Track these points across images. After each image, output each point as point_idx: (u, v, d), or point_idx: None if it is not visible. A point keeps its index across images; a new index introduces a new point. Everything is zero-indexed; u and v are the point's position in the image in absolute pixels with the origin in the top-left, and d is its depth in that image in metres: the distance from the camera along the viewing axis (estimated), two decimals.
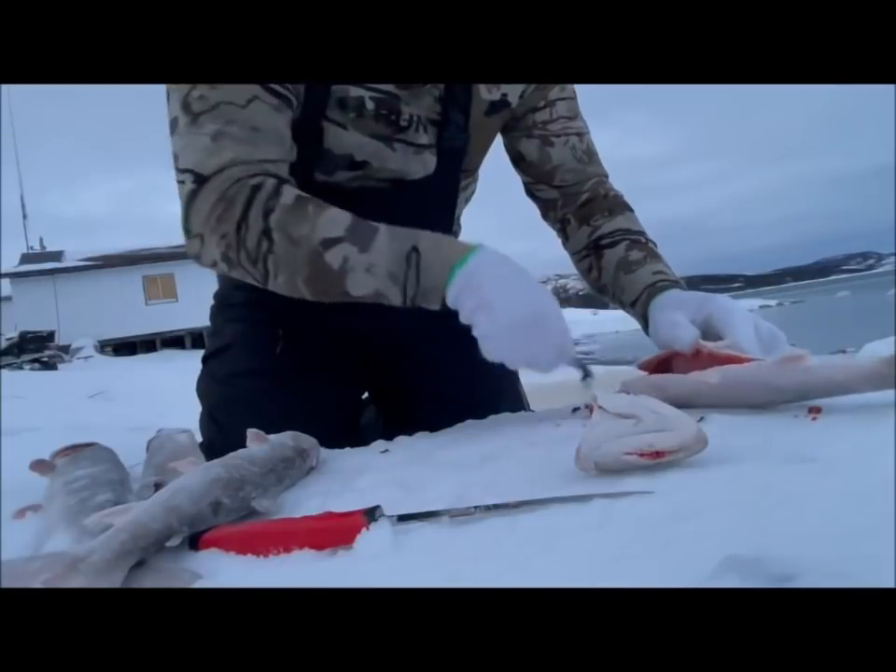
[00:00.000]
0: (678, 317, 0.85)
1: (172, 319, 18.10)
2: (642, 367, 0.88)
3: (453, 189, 1.05)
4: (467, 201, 1.15)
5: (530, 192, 1.12)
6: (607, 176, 1.09)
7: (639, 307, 0.95)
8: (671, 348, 0.85)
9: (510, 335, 0.72)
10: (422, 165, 0.97)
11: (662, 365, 0.85)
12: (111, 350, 17.69)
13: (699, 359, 0.78)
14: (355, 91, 0.90)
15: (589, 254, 1.04)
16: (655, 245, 1.03)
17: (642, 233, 1.03)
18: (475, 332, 0.73)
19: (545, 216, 1.12)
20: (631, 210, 1.07)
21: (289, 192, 0.80)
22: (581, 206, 1.06)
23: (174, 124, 0.83)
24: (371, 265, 0.76)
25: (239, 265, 0.80)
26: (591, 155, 1.07)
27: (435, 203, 1.02)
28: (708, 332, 0.84)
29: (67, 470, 0.68)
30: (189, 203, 0.81)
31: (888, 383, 0.60)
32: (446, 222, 1.08)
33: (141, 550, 0.47)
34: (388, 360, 1.11)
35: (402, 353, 1.08)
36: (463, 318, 0.74)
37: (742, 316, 0.84)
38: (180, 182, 0.82)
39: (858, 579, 0.32)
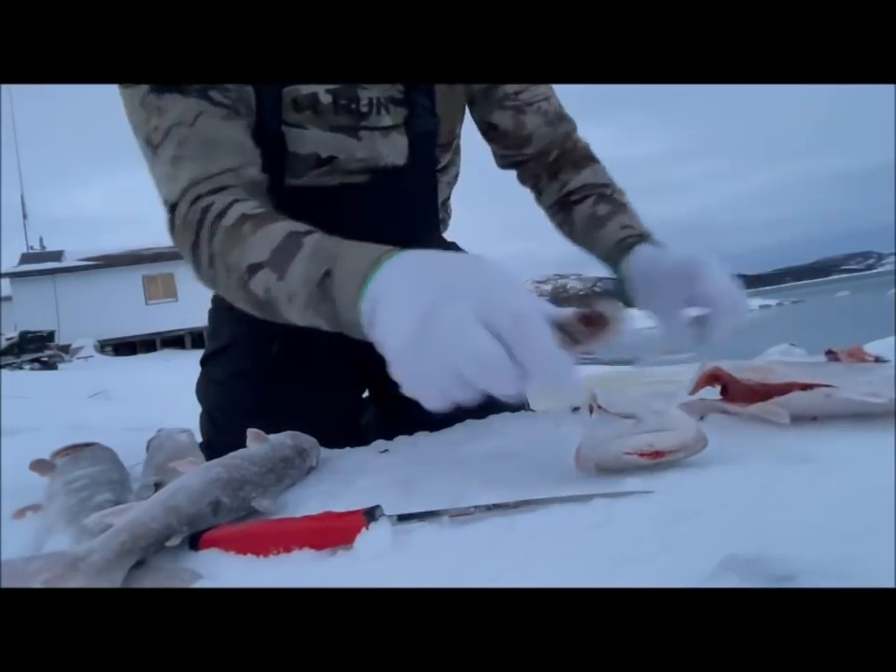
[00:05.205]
0: (672, 316, 0.84)
1: (172, 319, 18.09)
2: (693, 391, 0.75)
3: (431, 174, 1.04)
4: (450, 184, 1.14)
5: (503, 161, 1.12)
6: (575, 129, 1.10)
7: (611, 262, 0.96)
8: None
9: (410, 365, 0.53)
10: (392, 147, 0.96)
11: (708, 381, 0.75)
12: (111, 350, 17.69)
13: (751, 387, 0.68)
14: (306, 89, 0.89)
15: (560, 210, 1.07)
16: (623, 194, 1.04)
17: (608, 185, 1.04)
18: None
19: (520, 177, 1.13)
20: (596, 161, 1.08)
21: (235, 211, 0.72)
22: (551, 163, 1.08)
23: (145, 156, 0.83)
24: (290, 295, 0.63)
25: (211, 288, 0.81)
26: (560, 116, 1.09)
27: (415, 192, 1.01)
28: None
29: (67, 470, 0.67)
30: (169, 232, 0.82)
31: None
32: (430, 210, 1.08)
33: (141, 550, 0.47)
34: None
35: None
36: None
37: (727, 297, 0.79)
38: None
39: (858, 579, 0.32)
